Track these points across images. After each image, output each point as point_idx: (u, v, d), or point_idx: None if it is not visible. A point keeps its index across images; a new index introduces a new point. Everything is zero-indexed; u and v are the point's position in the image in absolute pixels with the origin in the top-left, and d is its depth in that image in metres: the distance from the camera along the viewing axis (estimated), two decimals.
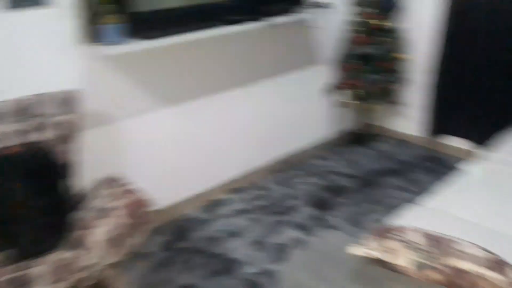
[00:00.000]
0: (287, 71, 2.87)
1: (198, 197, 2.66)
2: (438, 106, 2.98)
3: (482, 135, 2.76)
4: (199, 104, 2.50)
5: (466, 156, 2.91)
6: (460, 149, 3.02)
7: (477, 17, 2.63)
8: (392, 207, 2.50)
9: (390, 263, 1.07)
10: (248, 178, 2.89)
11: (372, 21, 2.80)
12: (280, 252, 2.21)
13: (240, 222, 2.47)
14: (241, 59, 2.60)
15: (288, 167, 3.04)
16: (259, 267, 2.11)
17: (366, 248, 1.10)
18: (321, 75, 3.10)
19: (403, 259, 1.06)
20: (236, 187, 2.82)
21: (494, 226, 1.55)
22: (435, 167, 2.90)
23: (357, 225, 2.37)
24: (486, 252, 1.06)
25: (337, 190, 2.72)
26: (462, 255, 1.04)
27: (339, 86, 3.04)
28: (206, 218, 2.53)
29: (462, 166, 2.01)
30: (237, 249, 2.25)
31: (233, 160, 2.80)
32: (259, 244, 2.28)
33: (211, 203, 2.67)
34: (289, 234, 2.34)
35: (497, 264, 1.02)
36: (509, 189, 1.75)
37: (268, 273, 2.07)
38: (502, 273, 1.00)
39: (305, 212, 2.52)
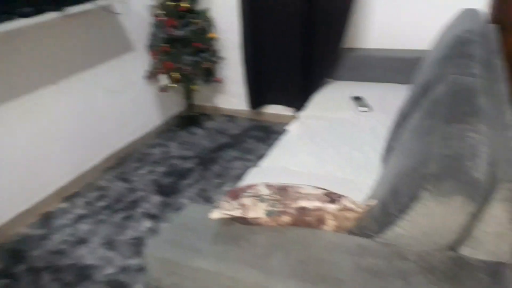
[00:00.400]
0: (103, 61, 2.73)
1: (28, 212, 2.37)
2: (254, 80, 3.20)
3: (296, 99, 3.12)
4: (7, 110, 2.19)
5: (287, 120, 3.27)
6: (282, 116, 3.35)
7: None
8: (235, 176, 2.66)
9: (246, 218, 1.16)
10: (82, 181, 2.69)
11: (178, 4, 2.83)
12: (136, 246, 2.15)
13: (83, 227, 2.30)
14: (46, 54, 2.35)
15: (124, 161, 2.93)
16: (116, 266, 2.02)
17: (223, 210, 1.16)
18: (139, 62, 3.05)
19: (255, 211, 1.16)
20: (71, 193, 2.60)
21: (316, 169, 1.81)
22: (264, 135, 3.17)
23: (209, 200, 2.45)
24: (319, 189, 1.24)
25: (180, 173, 2.75)
26: (302, 196, 1.20)
27: (156, 71, 3.02)
28: (43, 233, 2.27)
29: (285, 128, 2.28)
30: (88, 255, 2.10)
31: (61, 165, 2.56)
32: (110, 244, 2.17)
33: (45, 216, 2.41)
34: (141, 226, 2.29)
35: (330, 197, 1.21)
36: (317, 137, 2.08)
37: (128, 269, 1.99)
38: (336, 202, 1.19)
39: (152, 202, 2.48)
